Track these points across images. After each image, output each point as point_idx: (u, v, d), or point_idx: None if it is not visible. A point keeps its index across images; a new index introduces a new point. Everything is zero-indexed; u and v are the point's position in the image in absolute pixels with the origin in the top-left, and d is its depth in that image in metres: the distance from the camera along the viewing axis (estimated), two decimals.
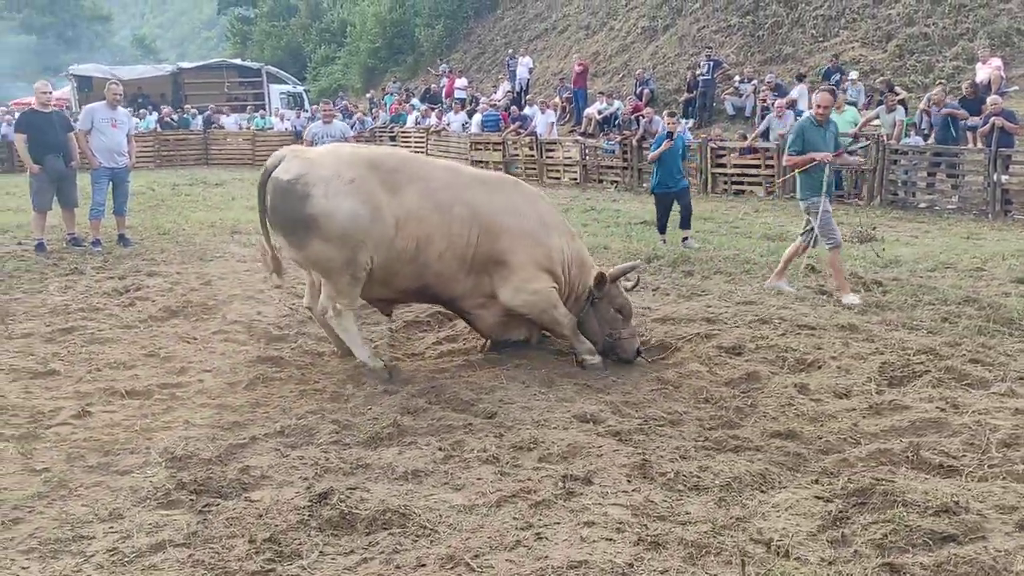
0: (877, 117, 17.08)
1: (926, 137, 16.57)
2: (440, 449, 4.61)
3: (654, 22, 27.95)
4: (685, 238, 11.86)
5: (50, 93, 11.06)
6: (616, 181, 20.78)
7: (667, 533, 3.58)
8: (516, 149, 23.47)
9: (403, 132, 28.24)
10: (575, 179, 21.77)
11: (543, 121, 23.08)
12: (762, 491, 4.06)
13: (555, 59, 31.07)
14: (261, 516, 3.79)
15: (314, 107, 30.08)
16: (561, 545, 3.52)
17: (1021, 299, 8.12)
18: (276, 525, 3.70)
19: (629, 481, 4.16)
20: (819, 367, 6.11)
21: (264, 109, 34.59)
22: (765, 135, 18.56)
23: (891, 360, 6.06)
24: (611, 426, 4.96)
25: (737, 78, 22.52)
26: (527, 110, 24.51)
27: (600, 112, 23.03)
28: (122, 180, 11.36)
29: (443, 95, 30.25)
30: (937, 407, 5.18)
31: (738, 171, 18.83)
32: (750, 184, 18.56)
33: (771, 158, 17.98)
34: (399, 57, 39.72)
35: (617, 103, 23.07)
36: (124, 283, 8.88)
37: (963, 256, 10.79)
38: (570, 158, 22.21)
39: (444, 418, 5.14)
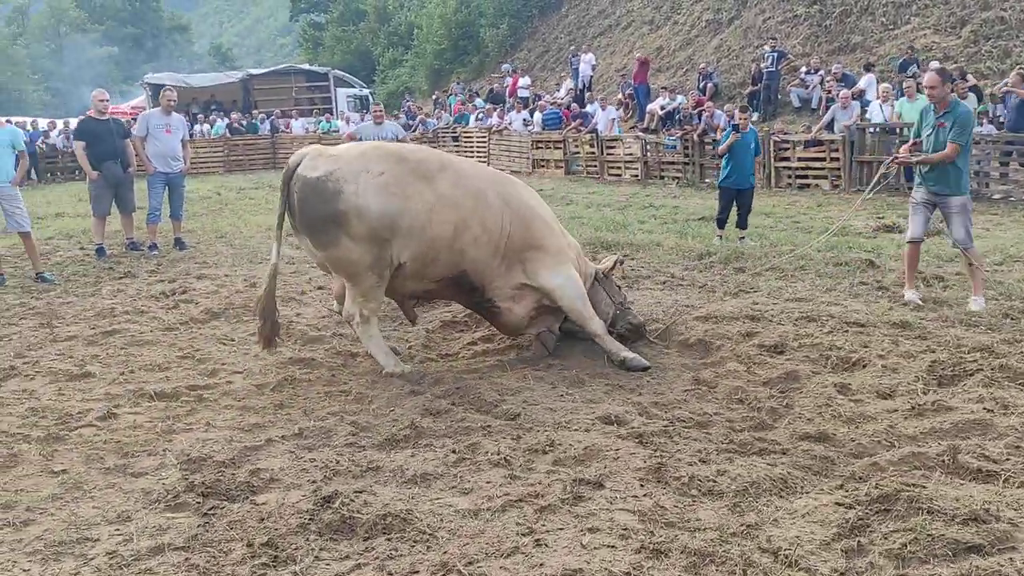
0: None
1: (1002, 126, 15.86)
2: (454, 451, 4.51)
3: (718, 15, 27.44)
4: (741, 237, 11.56)
5: (107, 101, 11.29)
6: (678, 177, 20.41)
7: (672, 540, 3.43)
8: (577, 146, 23.27)
9: (465, 132, 28.25)
10: (636, 176, 21.44)
11: (604, 118, 22.83)
12: (780, 497, 3.86)
13: (619, 55, 30.73)
14: (263, 520, 3.75)
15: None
16: (560, 552, 3.39)
17: None
18: (276, 529, 3.65)
19: (641, 485, 3.99)
20: (864, 366, 5.83)
21: (331, 113, 34.98)
22: (830, 127, 18.00)
23: (942, 358, 5.74)
24: (634, 428, 4.79)
25: (803, 69, 21.89)
26: (588, 107, 24.27)
27: (663, 107, 22.68)
28: (177, 185, 11.57)
29: (507, 94, 30.17)
30: (985, 408, 4.88)
31: (802, 164, 18.30)
32: (815, 177, 18.02)
33: (836, 150, 17.43)
34: (464, 58, 39.78)
35: (680, 98, 22.67)
36: (172, 286, 9.01)
37: None
38: (631, 154, 21.90)
39: (465, 420, 5.04)
